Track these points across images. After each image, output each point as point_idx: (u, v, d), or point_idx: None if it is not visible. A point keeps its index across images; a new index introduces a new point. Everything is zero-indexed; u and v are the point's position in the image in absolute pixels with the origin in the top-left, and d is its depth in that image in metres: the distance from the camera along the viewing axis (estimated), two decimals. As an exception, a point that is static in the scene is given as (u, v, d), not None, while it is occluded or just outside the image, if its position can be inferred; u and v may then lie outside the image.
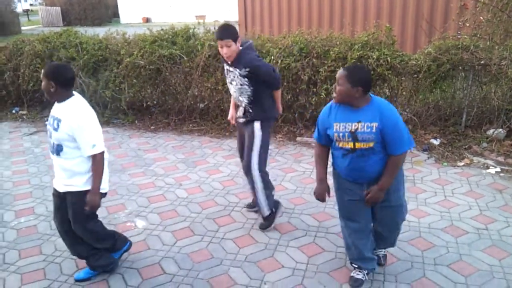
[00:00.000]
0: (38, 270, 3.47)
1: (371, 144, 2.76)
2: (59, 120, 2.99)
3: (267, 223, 3.93)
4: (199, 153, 5.94)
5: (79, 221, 3.16)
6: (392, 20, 9.03)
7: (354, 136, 2.77)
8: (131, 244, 3.57)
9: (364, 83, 2.72)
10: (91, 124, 3.02)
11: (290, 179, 5.03)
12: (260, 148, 3.77)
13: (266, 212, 3.88)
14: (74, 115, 2.96)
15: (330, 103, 2.94)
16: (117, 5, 32.35)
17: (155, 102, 7.71)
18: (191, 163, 5.59)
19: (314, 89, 6.16)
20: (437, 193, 4.59)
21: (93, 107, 7.97)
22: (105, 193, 3.26)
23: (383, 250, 3.37)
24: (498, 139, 5.68)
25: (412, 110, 6.25)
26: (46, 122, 3.23)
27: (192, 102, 7.15)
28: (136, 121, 7.36)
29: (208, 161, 5.65)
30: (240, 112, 3.86)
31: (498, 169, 5.11)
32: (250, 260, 3.49)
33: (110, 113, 7.47)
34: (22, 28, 26.92)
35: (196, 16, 25.83)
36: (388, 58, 5.80)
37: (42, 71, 3.01)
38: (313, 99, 6.16)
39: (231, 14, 23.90)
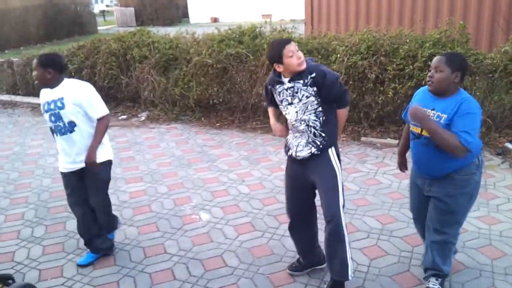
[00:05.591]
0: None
1: None
2: (61, 99, 3.26)
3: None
4: (262, 151, 6.01)
5: (102, 190, 3.55)
6: (466, 17, 8.57)
7: None
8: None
9: (463, 68, 2.73)
10: (94, 91, 3.38)
11: (353, 179, 4.96)
12: (342, 185, 2.93)
13: (350, 275, 2.95)
14: (76, 89, 3.30)
15: (423, 88, 2.99)
16: (187, 6, 33.34)
17: (220, 100, 7.88)
18: (254, 160, 5.67)
19: (381, 88, 6.01)
20: (510, 199, 4.33)
21: (163, 104, 8.27)
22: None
23: (434, 280, 3.00)
24: None
25: (486, 112, 5.91)
26: (45, 113, 3.35)
27: (256, 101, 7.22)
28: (203, 118, 7.58)
29: (270, 159, 5.70)
30: (298, 144, 2.95)
31: None
32: (310, 258, 3.49)
33: (178, 110, 7.75)
34: (99, 28, 28.55)
35: (262, 15, 26.00)
36: (461, 57, 5.54)
37: (36, 61, 3.26)
38: (380, 98, 6.01)
39: (297, 13, 23.84)
